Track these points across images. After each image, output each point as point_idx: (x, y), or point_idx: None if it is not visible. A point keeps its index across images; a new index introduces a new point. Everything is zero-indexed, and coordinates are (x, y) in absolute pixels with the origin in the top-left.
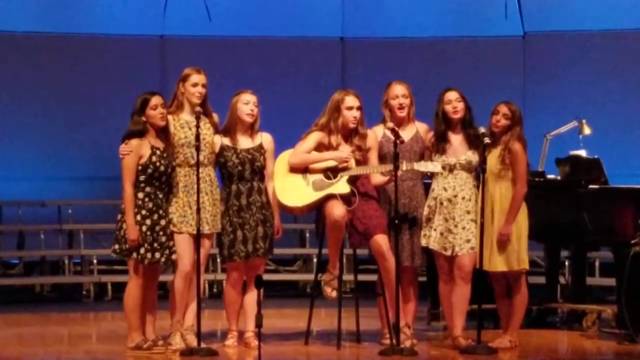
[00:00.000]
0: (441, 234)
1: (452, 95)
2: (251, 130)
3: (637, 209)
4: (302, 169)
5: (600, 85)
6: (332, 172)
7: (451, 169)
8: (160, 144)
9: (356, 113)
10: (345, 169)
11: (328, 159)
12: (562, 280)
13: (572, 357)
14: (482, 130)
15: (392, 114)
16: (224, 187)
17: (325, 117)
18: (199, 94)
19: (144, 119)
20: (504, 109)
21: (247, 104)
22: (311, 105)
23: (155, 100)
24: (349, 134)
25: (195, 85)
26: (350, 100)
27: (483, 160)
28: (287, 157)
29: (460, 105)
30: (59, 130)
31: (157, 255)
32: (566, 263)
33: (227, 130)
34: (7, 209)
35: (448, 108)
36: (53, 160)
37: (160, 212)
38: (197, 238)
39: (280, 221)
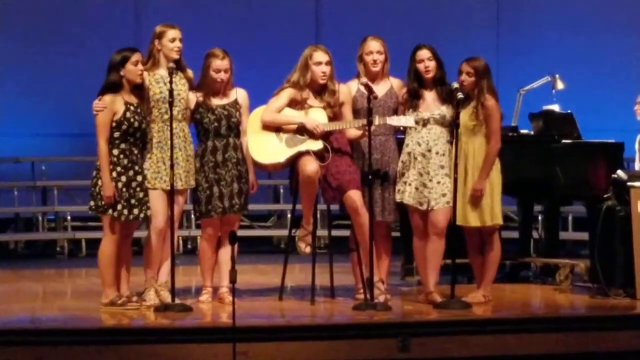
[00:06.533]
0: (416, 188)
1: (423, 53)
2: (226, 87)
3: (609, 164)
4: (274, 127)
5: (573, 41)
6: (305, 129)
7: (425, 123)
8: (134, 100)
9: (325, 68)
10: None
11: (298, 124)
12: (535, 234)
13: (545, 311)
14: (455, 85)
15: (366, 69)
16: (199, 144)
17: (296, 73)
18: (177, 49)
19: (122, 74)
20: (465, 67)
21: (218, 72)
22: (285, 59)
23: (137, 56)
24: (319, 90)
25: (173, 40)
26: (319, 56)
27: (456, 116)
28: (259, 113)
29: (432, 64)
30: (33, 86)
31: (136, 211)
32: (539, 218)
33: (202, 88)
34: None
35: (420, 67)
36: (26, 117)
37: (136, 168)
38: (171, 194)
39: (255, 177)
